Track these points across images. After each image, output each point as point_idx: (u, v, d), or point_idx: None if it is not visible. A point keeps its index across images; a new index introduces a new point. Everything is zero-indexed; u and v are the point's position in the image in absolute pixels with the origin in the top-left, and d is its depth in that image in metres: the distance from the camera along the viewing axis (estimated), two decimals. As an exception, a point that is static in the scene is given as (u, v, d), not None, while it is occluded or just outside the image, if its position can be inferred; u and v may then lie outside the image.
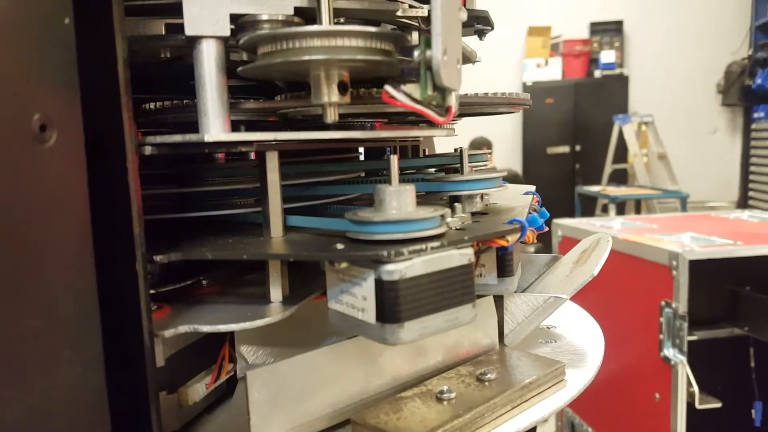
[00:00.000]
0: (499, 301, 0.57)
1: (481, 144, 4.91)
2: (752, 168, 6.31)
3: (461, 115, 0.64)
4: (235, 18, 0.45)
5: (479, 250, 0.52)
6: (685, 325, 1.72)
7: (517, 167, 6.20)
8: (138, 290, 0.39)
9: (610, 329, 2.09)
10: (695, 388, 1.73)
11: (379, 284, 0.39)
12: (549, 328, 0.65)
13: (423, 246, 0.40)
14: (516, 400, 0.47)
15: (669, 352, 1.79)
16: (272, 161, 0.47)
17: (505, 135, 6.17)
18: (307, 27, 0.40)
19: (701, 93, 6.59)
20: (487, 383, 0.48)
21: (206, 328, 0.43)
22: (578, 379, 0.52)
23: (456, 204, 0.52)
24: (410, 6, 0.51)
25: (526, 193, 0.68)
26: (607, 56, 6.27)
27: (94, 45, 0.36)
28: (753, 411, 2.19)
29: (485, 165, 0.70)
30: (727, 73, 6.46)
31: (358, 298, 0.41)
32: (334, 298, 0.44)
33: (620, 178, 5.85)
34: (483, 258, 0.53)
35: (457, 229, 0.47)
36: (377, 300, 0.39)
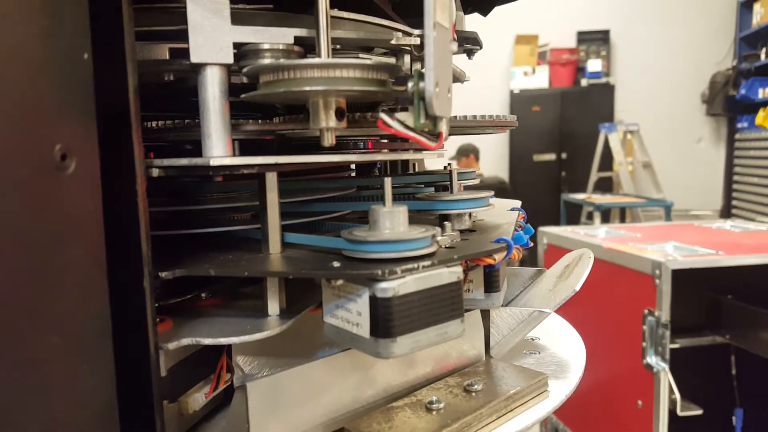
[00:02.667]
0: (485, 314, 0.59)
1: (468, 150, 4.93)
2: (736, 177, 6.38)
3: (450, 134, 0.67)
4: (237, 46, 0.48)
5: (467, 268, 0.54)
6: (668, 333, 1.75)
7: (504, 174, 6.23)
8: (145, 306, 0.41)
9: (594, 337, 2.12)
10: (677, 395, 1.77)
11: (374, 301, 0.42)
12: (533, 340, 0.68)
13: (415, 265, 0.43)
14: (501, 410, 0.49)
15: (651, 359, 1.81)
16: (271, 182, 0.49)
17: (492, 142, 6.21)
18: (307, 60, 0.43)
19: (686, 102, 6.67)
20: (473, 394, 0.50)
21: (208, 341, 0.45)
22: (560, 390, 0.55)
23: (446, 222, 0.54)
24: (403, 34, 0.53)
25: (513, 209, 0.71)
26: (594, 65, 6.34)
27: (107, 75, 0.38)
28: (734, 418, 2.23)
29: (474, 181, 0.73)
30: (711, 83, 6.53)
31: (352, 314, 0.44)
32: (330, 313, 0.46)
33: (605, 186, 5.91)
34: (471, 274, 0.56)
35: (446, 247, 0.50)
36: (371, 315, 0.42)
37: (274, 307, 0.50)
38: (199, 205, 0.58)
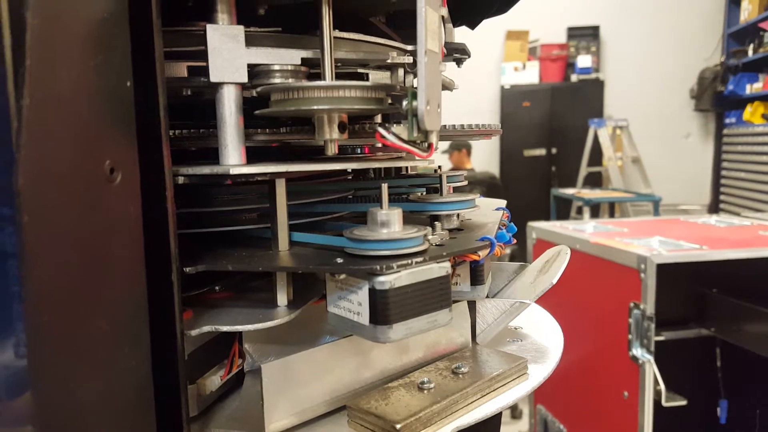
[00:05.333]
0: (471, 305, 0.66)
1: (461, 146, 4.96)
2: (723, 172, 6.45)
3: (441, 140, 0.73)
4: (250, 66, 0.53)
5: (455, 263, 0.61)
6: (653, 325, 1.79)
7: (495, 169, 6.26)
8: (173, 297, 0.47)
9: (581, 329, 2.18)
10: (662, 386, 1.80)
11: (373, 292, 0.48)
12: (516, 329, 0.74)
13: (409, 261, 0.49)
14: (485, 389, 0.56)
15: (637, 351, 1.85)
16: (281, 186, 0.55)
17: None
18: (314, 83, 0.49)
19: (675, 98, 6.72)
20: (461, 375, 0.57)
21: (225, 328, 0.51)
22: (539, 373, 0.61)
23: (436, 222, 0.60)
24: (398, 53, 0.59)
25: (497, 209, 0.77)
26: (584, 61, 6.38)
27: (141, 96, 0.44)
28: (718, 409, 2.26)
29: (461, 183, 0.79)
30: (700, 79, 6.57)
31: (354, 304, 0.50)
32: (333, 303, 0.52)
33: (595, 180, 5.96)
34: (458, 269, 0.62)
35: (436, 245, 0.56)
36: (370, 305, 0.48)
37: (282, 298, 0.56)
38: (211, 207, 0.63)
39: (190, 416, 0.52)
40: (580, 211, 5.24)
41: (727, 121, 6.40)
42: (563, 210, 5.58)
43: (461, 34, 0.95)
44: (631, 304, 1.87)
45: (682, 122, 6.78)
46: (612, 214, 5.24)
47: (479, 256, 0.57)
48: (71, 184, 0.35)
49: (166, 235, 0.46)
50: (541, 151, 6.30)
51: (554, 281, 0.64)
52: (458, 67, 0.86)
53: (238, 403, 0.58)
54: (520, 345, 0.69)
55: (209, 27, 0.51)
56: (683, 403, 1.89)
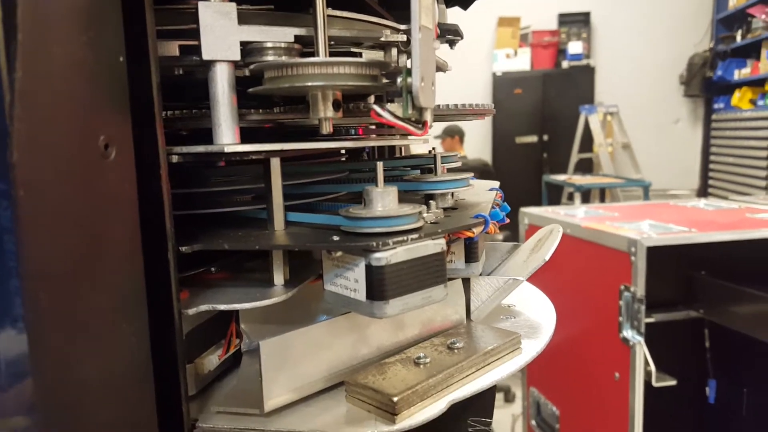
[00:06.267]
0: (466, 282, 0.66)
1: (454, 132, 4.96)
2: (712, 157, 6.49)
3: (435, 121, 0.73)
4: (243, 44, 0.53)
5: (450, 240, 0.61)
6: (643, 307, 1.80)
7: (487, 156, 6.28)
8: (170, 275, 0.47)
9: (573, 312, 2.19)
10: (652, 367, 1.81)
11: (369, 269, 0.48)
12: (510, 307, 0.75)
13: (404, 237, 0.49)
14: (479, 363, 0.56)
15: (628, 333, 1.86)
16: (275, 166, 0.55)
17: (475, 124, 6.25)
18: (308, 59, 0.49)
19: (664, 84, 6.75)
20: (456, 350, 0.57)
21: (223, 307, 0.51)
22: (532, 348, 0.62)
23: (431, 201, 0.61)
24: (392, 31, 0.59)
25: (491, 190, 0.77)
26: (575, 47, 6.39)
27: (134, 74, 0.44)
28: (707, 389, 2.27)
29: (456, 164, 0.79)
30: (689, 64, 6.61)
31: (350, 281, 0.50)
32: (330, 281, 0.53)
33: (586, 167, 5.98)
34: (453, 247, 0.62)
35: (431, 222, 0.56)
36: (367, 282, 0.48)
37: (279, 278, 0.56)
38: (205, 188, 0.63)
39: (189, 395, 0.52)
40: (571, 197, 5.27)
41: (716, 106, 6.44)
42: (555, 196, 5.62)
43: (455, 18, 0.95)
44: (622, 287, 1.88)
45: (671, 108, 6.82)
46: (603, 200, 5.26)
47: (473, 233, 0.57)
48: (66, 158, 0.35)
49: (161, 213, 0.46)
50: (532, 138, 6.31)
51: (546, 258, 0.65)
52: (451, 48, 0.86)
53: (236, 382, 0.58)
54: (514, 322, 0.70)
55: (201, 4, 0.51)
56: (673, 383, 1.91)
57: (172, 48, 0.59)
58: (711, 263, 2.10)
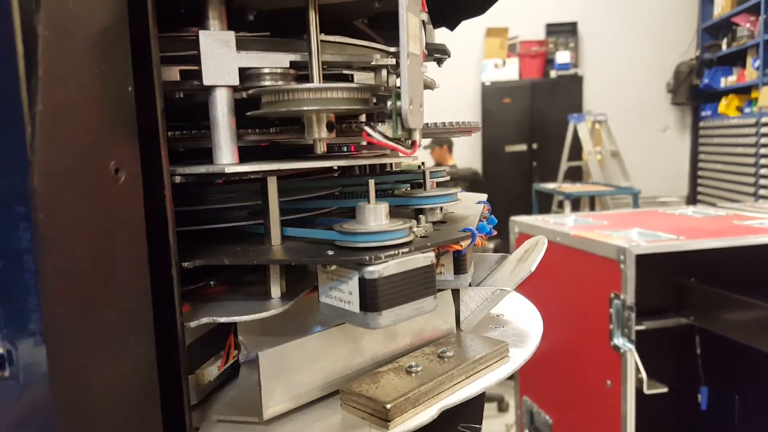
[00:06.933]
0: (455, 293, 0.69)
1: (443, 141, 4.98)
2: (700, 164, 6.56)
3: (424, 137, 0.76)
4: (242, 70, 0.56)
5: (439, 253, 0.64)
6: (633, 315, 1.81)
7: (477, 165, 6.30)
8: (173, 290, 0.49)
9: (564, 321, 2.20)
10: (643, 374, 1.82)
11: (362, 282, 0.51)
12: (498, 316, 0.78)
13: (395, 251, 0.52)
14: (469, 371, 0.59)
15: (619, 341, 1.87)
16: (272, 184, 0.58)
17: (464, 134, 6.29)
18: (304, 85, 0.52)
19: (652, 92, 6.83)
20: (446, 359, 0.60)
21: (223, 319, 0.54)
22: (520, 356, 0.64)
23: (420, 215, 0.63)
24: (381, 56, 0.62)
25: (478, 203, 0.80)
26: (563, 57, 6.45)
27: (141, 102, 0.46)
28: (699, 396, 2.30)
29: (444, 178, 0.82)
30: (676, 73, 6.69)
31: (344, 293, 0.53)
32: (325, 294, 0.55)
33: (575, 175, 6.04)
34: (442, 259, 0.65)
35: (421, 236, 0.59)
36: (361, 294, 0.51)
37: (276, 290, 0.58)
38: (205, 205, 0.66)
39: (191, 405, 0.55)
40: (561, 205, 5.30)
41: (703, 113, 6.52)
42: (544, 204, 5.64)
43: (442, 32, 0.99)
44: (612, 295, 1.90)
45: (659, 116, 6.89)
46: (592, 208, 5.30)
47: (461, 246, 0.60)
48: (81, 183, 0.38)
49: (166, 231, 0.48)
50: (522, 147, 6.36)
51: (532, 269, 0.67)
52: (439, 66, 0.90)
53: (235, 392, 0.61)
54: (502, 331, 0.73)
55: (202, 33, 0.54)
56: (664, 390, 1.92)
57: (173, 73, 0.61)
58: (700, 270, 2.12)
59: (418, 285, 0.53)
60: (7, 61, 0.35)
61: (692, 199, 6.48)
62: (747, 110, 5.79)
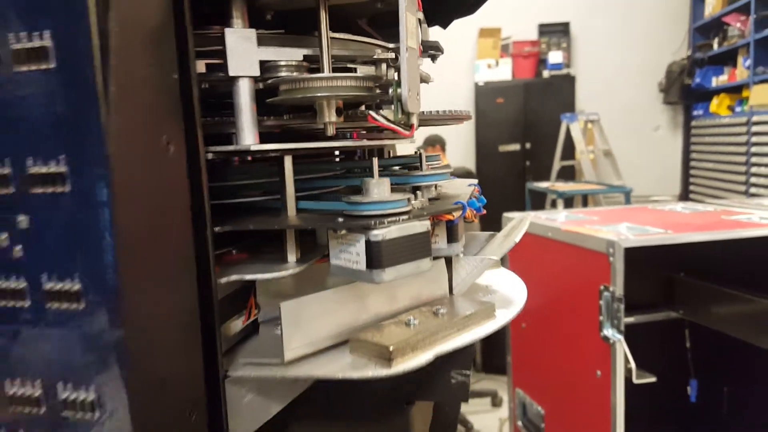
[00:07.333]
0: (448, 261, 0.78)
1: (435, 141, 5.02)
2: (692, 163, 6.64)
3: (421, 125, 0.85)
4: (261, 63, 0.65)
5: (434, 223, 0.72)
6: (622, 306, 1.84)
7: (471, 164, 6.35)
8: (208, 250, 0.58)
9: (556, 313, 2.24)
10: (632, 364, 1.85)
11: (368, 244, 0.60)
12: (487, 287, 0.87)
13: (396, 218, 0.61)
14: (460, 325, 0.68)
15: (608, 332, 1.90)
16: (288, 162, 0.67)
17: (458, 133, 6.31)
18: (317, 75, 0.60)
19: (644, 92, 6.88)
20: (440, 315, 0.69)
21: (249, 276, 0.62)
22: (504, 316, 0.73)
23: (417, 192, 0.72)
24: (382, 51, 0.71)
25: (470, 185, 0.89)
26: (555, 57, 6.49)
27: (181, 88, 0.55)
28: (689, 388, 2.34)
29: (438, 163, 0.91)
30: (668, 72, 6.74)
31: (353, 255, 0.62)
32: (335, 256, 0.64)
33: (568, 174, 6.06)
34: (436, 230, 0.74)
35: (418, 208, 0.68)
36: (367, 254, 0.60)
37: (292, 256, 0.67)
38: (228, 182, 0.75)
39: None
40: (554, 204, 5.33)
41: (695, 113, 6.59)
42: (538, 203, 5.67)
43: (436, 33, 1.07)
44: (602, 287, 1.93)
45: (651, 115, 6.95)
46: (585, 206, 5.33)
47: (453, 216, 0.69)
48: (142, 151, 0.47)
49: (202, 199, 0.57)
50: (515, 146, 6.39)
51: (516, 240, 0.76)
52: (433, 62, 0.98)
53: (256, 344, 0.70)
54: (490, 297, 0.81)
55: (227, 30, 0.63)
56: (653, 380, 1.94)
57: (200, 66, 0.70)
58: (690, 265, 2.16)
59: (415, 248, 0.62)
60: (86, 51, 0.44)
61: (684, 197, 6.55)
62: (738, 109, 5.85)
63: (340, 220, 0.62)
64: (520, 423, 2.60)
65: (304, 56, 0.66)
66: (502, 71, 6.47)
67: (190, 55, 0.55)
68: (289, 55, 0.66)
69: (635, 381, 1.89)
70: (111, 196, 0.43)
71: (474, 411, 3.99)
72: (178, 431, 0.52)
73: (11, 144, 0.47)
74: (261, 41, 0.65)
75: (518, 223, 0.83)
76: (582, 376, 2.10)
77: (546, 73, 6.50)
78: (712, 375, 2.39)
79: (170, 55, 0.51)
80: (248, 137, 0.64)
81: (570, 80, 6.48)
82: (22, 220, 0.48)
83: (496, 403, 4.13)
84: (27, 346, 0.49)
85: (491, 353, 4.35)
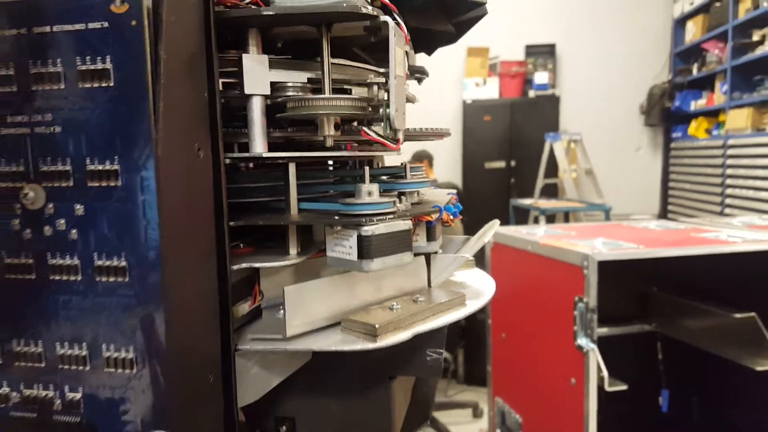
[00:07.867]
0: (427, 257, 0.90)
1: (422, 156, 5.12)
2: (671, 183, 6.78)
3: (406, 140, 0.97)
4: (272, 83, 0.76)
5: (415, 223, 0.84)
6: (595, 317, 1.91)
7: (457, 180, 6.46)
8: (225, 241, 0.69)
9: (533, 323, 2.32)
10: (605, 372, 1.90)
11: (360, 238, 0.71)
12: (461, 283, 0.98)
13: (384, 218, 0.73)
14: (435, 310, 0.79)
15: (582, 341, 1.97)
16: (292, 167, 0.78)
17: (445, 150, 6.45)
18: (319, 96, 0.72)
19: (626, 113, 7.05)
20: (418, 302, 0.80)
21: (257, 264, 0.74)
22: (474, 305, 0.85)
23: (402, 196, 0.84)
24: (374, 75, 0.83)
25: (448, 194, 1.01)
26: (541, 77, 6.64)
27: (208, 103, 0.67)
28: (660, 398, 2.45)
29: (421, 173, 1.02)
30: (649, 95, 6.91)
31: (346, 248, 0.73)
32: (331, 249, 0.75)
33: (551, 191, 6.18)
34: (417, 229, 0.85)
35: (402, 210, 0.80)
36: (358, 247, 0.71)
37: (293, 249, 0.78)
38: (239, 184, 0.86)
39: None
40: (537, 220, 5.40)
41: (674, 135, 6.74)
42: (521, 219, 5.80)
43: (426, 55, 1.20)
44: (576, 298, 1.99)
45: (632, 136, 7.11)
46: (567, 223, 5.45)
47: (432, 217, 0.81)
48: (180, 155, 0.58)
49: (221, 197, 0.68)
50: (501, 164, 6.53)
51: (486, 240, 0.88)
52: (419, 84, 1.11)
53: (260, 325, 0.81)
54: (463, 290, 0.93)
55: (245, 56, 0.74)
56: (624, 387, 2.00)
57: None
58: (662, 279, 2.25)
59: (399, 243, 0.74)
60: (140, 74, 0.55)
61: (663, 215, 6.67)
62: (715, 132, 6.00)
63: (337, 218, 0.73)
64: (499, 431, 2.68)
65: (308, 78, 0.78)
66: (490, 90, 6.62)
67: (215, 76, 0.67)
68: (296, 78, 0.77)
69: (607, 388, 1.96)
70: (156, 190, 0.55)
71: (455, 422, 4.07)
72: (200, 387, 0.63)
73: (73, 145, 0.58)
74: (272, 65, 0.76)
75: (489, 227, 0.95)
76: (558, 384, 2.17)
77: (532, 93, 6.64)
78: (683, 386, 2.49)
79: (202, 76, 0.63)
80: (259, 145, 0.75)
81: (554, 100, 6.64)
82: (79, 209, 0.59)
83: (476, 414, 4.21)
84: (78, 313, 0.60)
85: (473, 365, 4.44)
